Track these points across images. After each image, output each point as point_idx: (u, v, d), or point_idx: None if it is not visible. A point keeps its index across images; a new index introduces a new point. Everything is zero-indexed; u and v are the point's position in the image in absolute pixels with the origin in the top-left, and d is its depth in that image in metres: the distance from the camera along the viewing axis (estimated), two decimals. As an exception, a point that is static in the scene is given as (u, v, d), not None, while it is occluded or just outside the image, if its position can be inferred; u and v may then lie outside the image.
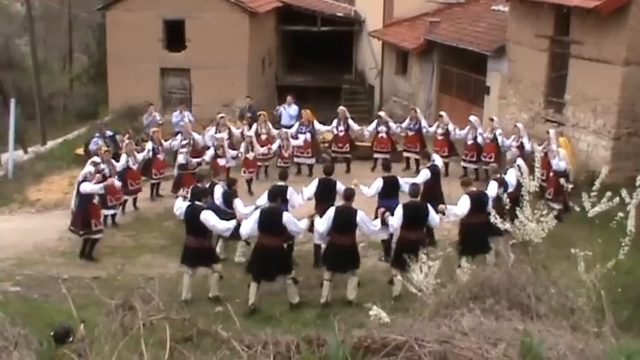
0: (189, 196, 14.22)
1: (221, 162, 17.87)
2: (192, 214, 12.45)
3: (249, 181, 18.98)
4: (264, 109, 22.42)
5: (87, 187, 14.81)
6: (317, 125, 20.43)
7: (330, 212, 12.29)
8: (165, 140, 19.21)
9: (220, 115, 20.26)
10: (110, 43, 28.64)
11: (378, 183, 14.26)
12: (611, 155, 18.01)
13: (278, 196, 12.65)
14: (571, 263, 6.17)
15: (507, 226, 6.40)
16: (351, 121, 20.55)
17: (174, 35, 28.06)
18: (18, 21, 46.49)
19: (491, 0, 25.72)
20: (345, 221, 12.18)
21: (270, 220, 11.95)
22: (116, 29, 28.09)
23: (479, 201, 12.67)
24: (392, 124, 20.50)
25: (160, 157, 18.70)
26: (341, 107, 20.95)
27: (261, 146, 19.30)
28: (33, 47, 32.24)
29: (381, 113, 21.06)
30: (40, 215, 18.72)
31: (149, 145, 18.50)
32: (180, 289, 12.59)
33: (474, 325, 4.76)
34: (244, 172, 18.94)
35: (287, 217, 12.03)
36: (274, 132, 20.19)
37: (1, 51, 41.55)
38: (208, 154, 18.06)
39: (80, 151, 22.90)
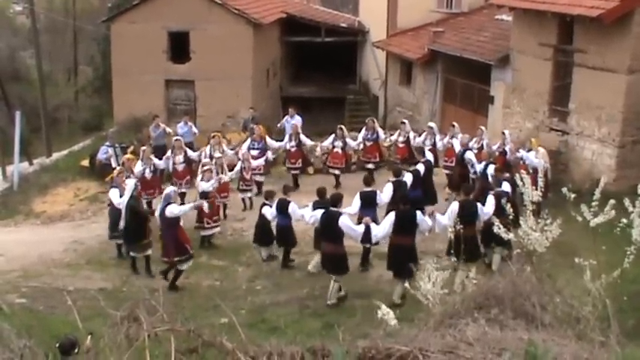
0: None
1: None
2: (329, 220, 12.42)
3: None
4: (264, 121, 22.33)
5: (174, 210, 13.64)
6: (269, 141, 19.77)
7: (455, 205, 12.56)
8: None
9: (175, 138, 19.17)
10: (115, 55, 28.75)
11: (389, 187, 14.67)
12: (616, 163, 17.99)
13: (369, 201, 13.36)
14: (576, 272, 6.16)
15: (511, 235, 6.41)
16: (302, 136, 20.14)
17: (179, 47, 28.16)
18: (23, 34, 46.84)
19: (494, 9, 25.75)
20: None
21: (406, 221, 12.29)
22: (121, 41, 28.20)
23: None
24: (349, 140, 20.11)
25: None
26: (294, 122, 20.42)
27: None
28: (38, 60, 32.41)
29: (342, 127, 20.55)
30: (46, 227, 18.77)
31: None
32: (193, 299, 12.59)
33: (479, 335, 4.76)
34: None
35: (420, 217, 12.37)
36: (229, 153, 19.26)
37: (6, 63, 41.75)
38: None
39: (85, 162, 22.98)
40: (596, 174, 17.72)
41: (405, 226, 12.38)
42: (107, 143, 20.54)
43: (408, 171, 15.54)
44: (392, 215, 12.38)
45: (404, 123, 20.68)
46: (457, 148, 18.47)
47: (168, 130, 21.62)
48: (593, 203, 5.83)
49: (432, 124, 20.58)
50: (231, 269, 14.91)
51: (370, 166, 20.03)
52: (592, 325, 5.35)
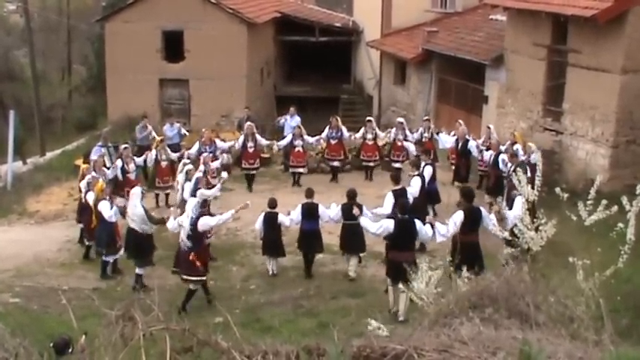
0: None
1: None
2: (405, 227, 11.92)
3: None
4: (259, 121, 22.22)
5: (210, 221, 12.90)
6: (219, 144, 19.35)
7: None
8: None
9: (124, 146, 18.57)
10: (109, 54, 28.74)
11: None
12: (610, 163, 18.03)
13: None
14: (570, 272, 6.18)
15: (505, 234, 6.43)
16: (258, 137, 19.94)
17: (173, 46, 28.15)
18: (17, 33, 46.65)
19: (488, 9, 25.79)
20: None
21: (473, 220, 11.95)
22: (115, 40, 28.18)
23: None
24: (307, 137, 20.02)
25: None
26: (248, 123, 20.22)
27: (163, 174, 18.19)
28: (32, 59, 32.38)
29: (300, 126, 20.34)
30: (39, 226, 18.71)
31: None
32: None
33: (473, 334, 4.76)
34: None
35: (485, 214, 12.06)
36: (173, 156, 18.72)
37: (0, 63, 41.65)
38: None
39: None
40: (589, 174, 17.75)
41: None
42: (100, 143, 20.30)
43: (415, 175, 14.99)
44: (461, 213, 11.93)
45: (370, 121, 20.81)
46: (448, 142, 18.94)
47: (153, 134, 21.22)
48: (588, 202, 5.85)
49: (400, 119, 20.85)
50: (225, 269, 14.90)
51: (335, 164, 20.28)
52: (586, 325, 5.37)
